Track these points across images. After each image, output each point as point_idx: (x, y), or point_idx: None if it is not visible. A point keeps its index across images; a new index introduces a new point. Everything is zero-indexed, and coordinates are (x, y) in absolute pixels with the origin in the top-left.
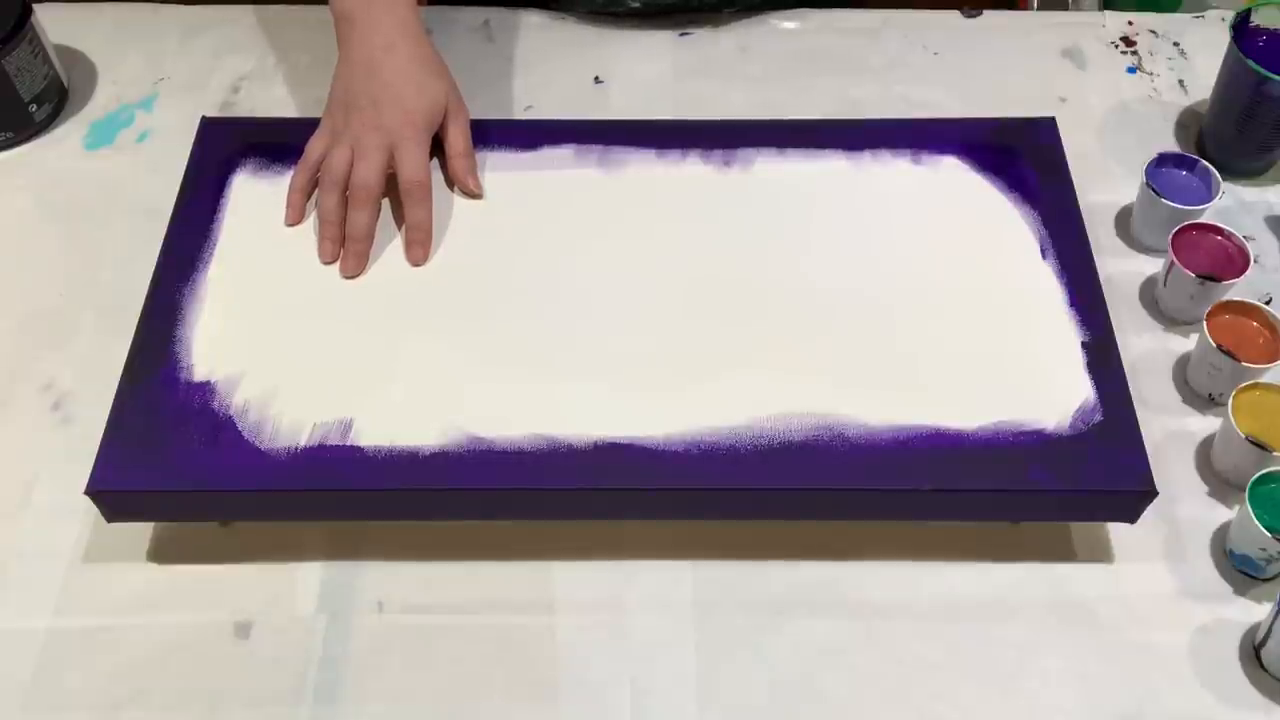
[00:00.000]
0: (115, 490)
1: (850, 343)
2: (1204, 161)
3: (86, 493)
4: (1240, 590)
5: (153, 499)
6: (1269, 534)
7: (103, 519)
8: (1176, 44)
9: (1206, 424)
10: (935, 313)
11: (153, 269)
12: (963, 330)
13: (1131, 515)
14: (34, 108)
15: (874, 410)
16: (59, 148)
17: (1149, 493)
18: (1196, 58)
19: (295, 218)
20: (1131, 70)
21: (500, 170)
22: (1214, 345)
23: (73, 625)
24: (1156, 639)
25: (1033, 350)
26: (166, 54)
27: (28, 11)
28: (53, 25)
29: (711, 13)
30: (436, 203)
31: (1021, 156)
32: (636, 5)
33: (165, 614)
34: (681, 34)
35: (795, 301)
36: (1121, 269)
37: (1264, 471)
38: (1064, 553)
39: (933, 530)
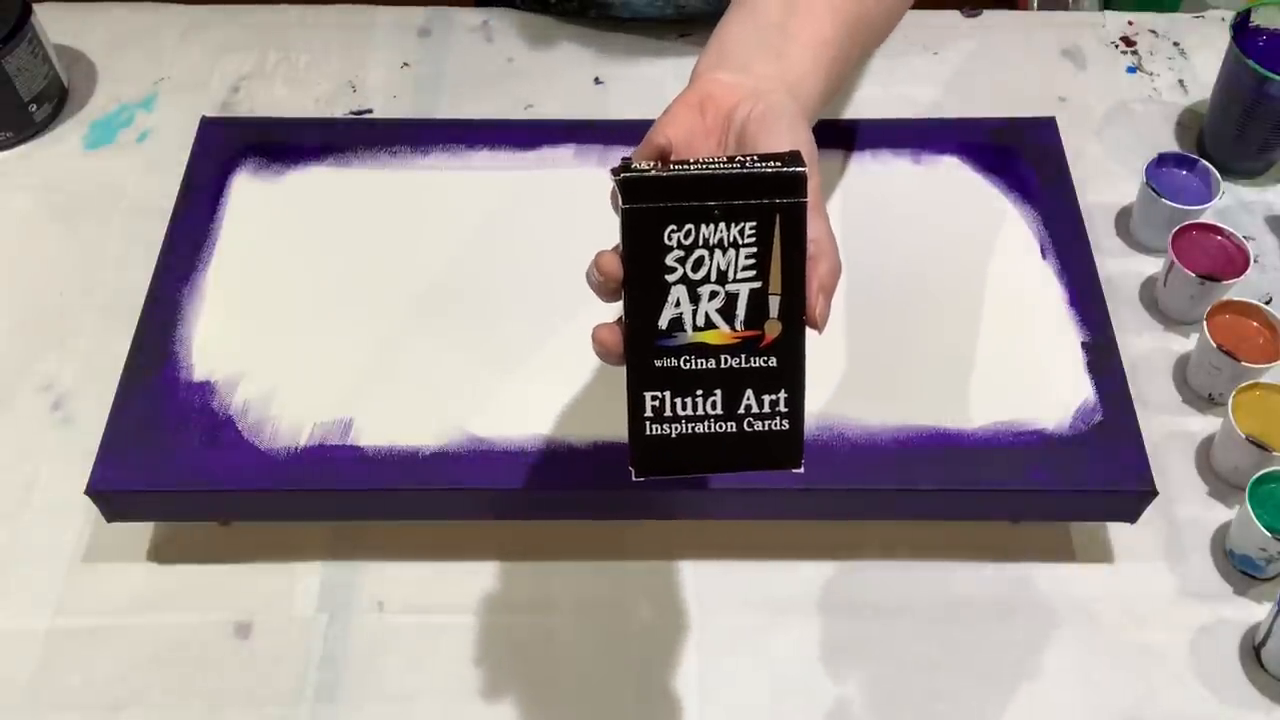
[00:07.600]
0: (115, 490)
1: (850, 343)
2: (1204, 161)
3: (86, 493)
4: (1240, 590)
5: (153, 499)
6: (1269, 534)
7: (103, 519)
8: (1176, 44)
9: (1206, 424)
10: (935, 313)
11: (153, 269)
12: (963, 330)
13: (1131, 515)
14: (34, 108)
15: (874, 410)
16: (59, 148)
17: (1149, 493)
18: (1196, 58)
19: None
20: (1131, 70)
21: (500, 170)
22: (1214, 345)
23: (73, 625)
24: (1156, 639)
25: (1033, 350)
26: (166, 54)
27: (28, 11)
28: (53, 25)
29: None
30: (434, 204)
31: (1021, 156)
32: (625, 16)
33: (165, 614)
34: (682, 35)
35: None
36: (1121, 269)
37: (1264, 471)
38: (1064, 553)
39: (933, 530)
